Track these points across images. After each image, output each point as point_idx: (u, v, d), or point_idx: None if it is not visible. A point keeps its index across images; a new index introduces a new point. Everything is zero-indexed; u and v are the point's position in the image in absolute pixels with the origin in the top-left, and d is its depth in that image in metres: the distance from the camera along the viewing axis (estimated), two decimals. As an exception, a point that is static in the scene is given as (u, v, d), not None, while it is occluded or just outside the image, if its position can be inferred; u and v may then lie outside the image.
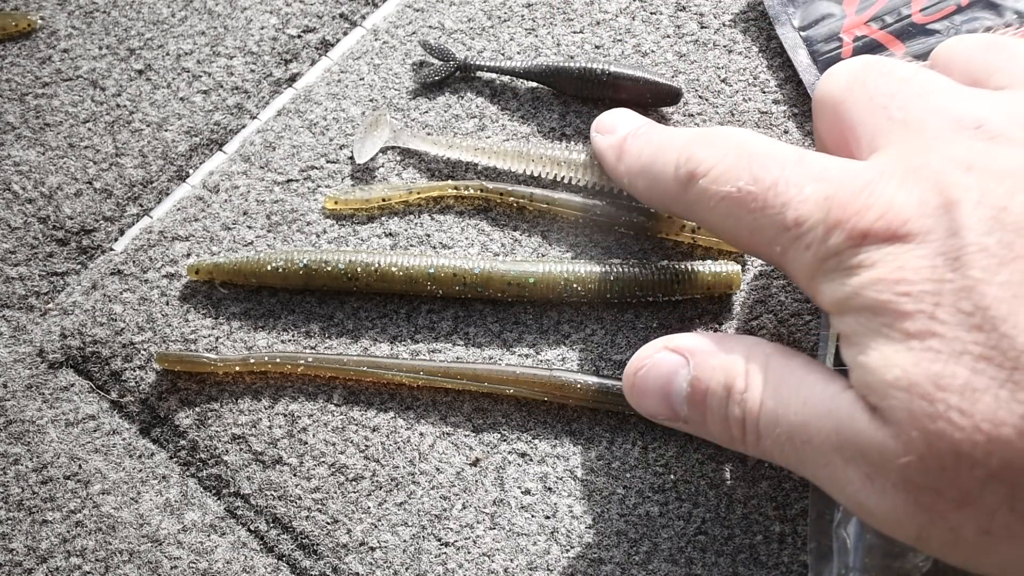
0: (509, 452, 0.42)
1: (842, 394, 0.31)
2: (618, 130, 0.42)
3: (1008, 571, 0.29)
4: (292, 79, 0.50)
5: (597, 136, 0.43)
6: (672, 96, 0.47)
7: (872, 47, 0.47)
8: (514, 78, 0.48)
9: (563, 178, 0.46)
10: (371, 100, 0.49)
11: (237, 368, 0.43)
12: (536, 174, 0.46)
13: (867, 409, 0.30)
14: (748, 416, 0.33)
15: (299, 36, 0.51)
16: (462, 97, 0.48)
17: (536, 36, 0.50)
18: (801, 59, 0.47)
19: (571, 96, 0.48)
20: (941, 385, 0.28)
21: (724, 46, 0.49)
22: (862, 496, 0.30)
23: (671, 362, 0.36)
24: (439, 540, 0.41)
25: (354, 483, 0.42)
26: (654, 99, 0.47)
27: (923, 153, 0.31)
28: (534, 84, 0.48)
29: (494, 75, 0.48)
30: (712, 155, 0.35)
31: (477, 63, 0.48)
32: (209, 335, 0.44)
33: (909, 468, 0.28)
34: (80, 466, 0.42)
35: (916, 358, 0.28)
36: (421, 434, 0.42)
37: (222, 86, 0.50)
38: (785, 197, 0.32)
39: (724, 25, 0.49)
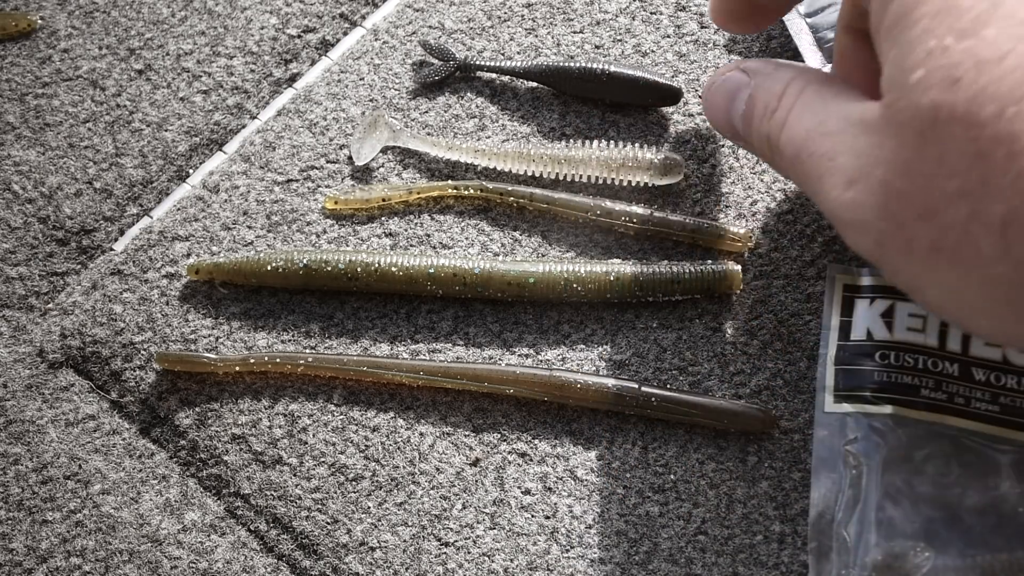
0: (509, 452, 0.42)
1: (862, 106, 0.32)
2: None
3: (943, 295, 0.30)
4: (292, 79, 0.50)
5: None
6: (672, 96, 0.47)
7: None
8: (514, 78, 0.48)
9: (564, 176, 0.46)
10: (371, 100, 0.49)
11: (237, 368, 0.43)
12: (536, 174, 0.46)
13: (879, 110, 0.31)
14: (772, 133, 0.36)
15: (299, 36, 0.51)
16: (462, 97, 0.48)
17: (536, 36, 0.50)
18: (806, 46, 0.47)
19: (571, 96, 0.48)
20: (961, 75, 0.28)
21: (724, 46, 0.49)
22: (842, 199, 0.32)
23: (737, 80, 0.39)
24: (439, 540, 0.41)
25: (354, 483, 0.42)
26: (654, 99, 0.47)
27: None
28: (534, 84, 0.48)
29: (494, 75, 0.48)
30: None
31: (477, 63, 0.48)
32: (209, 335, 0.44)
33: (893, 165, 0.30)
34: (80, 466, 0.42)
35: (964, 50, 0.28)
36: (421, 434, 0.42)
37: (222, 86, 0.50)
38: None
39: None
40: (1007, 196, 0.27)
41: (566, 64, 0.47)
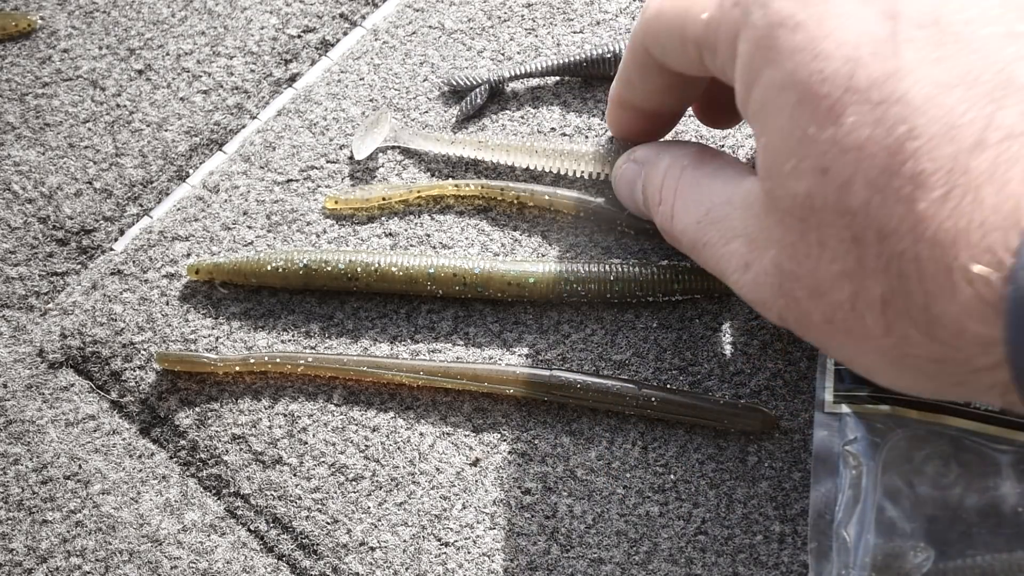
0: (509, 452, 0.42)
1: (741, 187, 0.34)
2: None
3: (848, 358, 0.32)
4: (292, 79, 0.50)
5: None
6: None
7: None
8: (542, 78, 0.48)
9: (566, 172, 0.46)
10: (371, 100, 0.49)
11: (237, 368, 0.43)
12: (539, 168, 0.46)
13: (760, 195, 0.32)
14: (665, 226, 0.39)
15: (299, 36, 0.51)
16: (462, 97, 0.48)
17: (536, 36, 0.50)
18: None
19: (601, 80, 0.48)
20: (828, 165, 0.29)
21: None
22: (742, 281, 0.34)
23: (631, 172, 0.41)
24: (439, 540, 0.41)
25: (354, 483, 0.42)
26: None
27: None
28: (535, 83, 0.48)
29: (520, 81, 0.48)
30: None
31: (505, 76, 0.48)
32: (209, 335, 0.44)
33: (781, 247, 0.31)
34: (80, 466, 0.42)
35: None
36: (421, 434, 0.42)
37: (222, 86, 0.50)
38: None
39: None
40: (882, 278, 0.28)
41: (597, 53, 0.47)
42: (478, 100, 0.48)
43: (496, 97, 0.48)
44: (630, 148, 0.44)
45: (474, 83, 0.48)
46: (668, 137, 0.44)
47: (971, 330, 0.27)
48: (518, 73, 0.48)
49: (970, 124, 0.27)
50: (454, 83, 0.48)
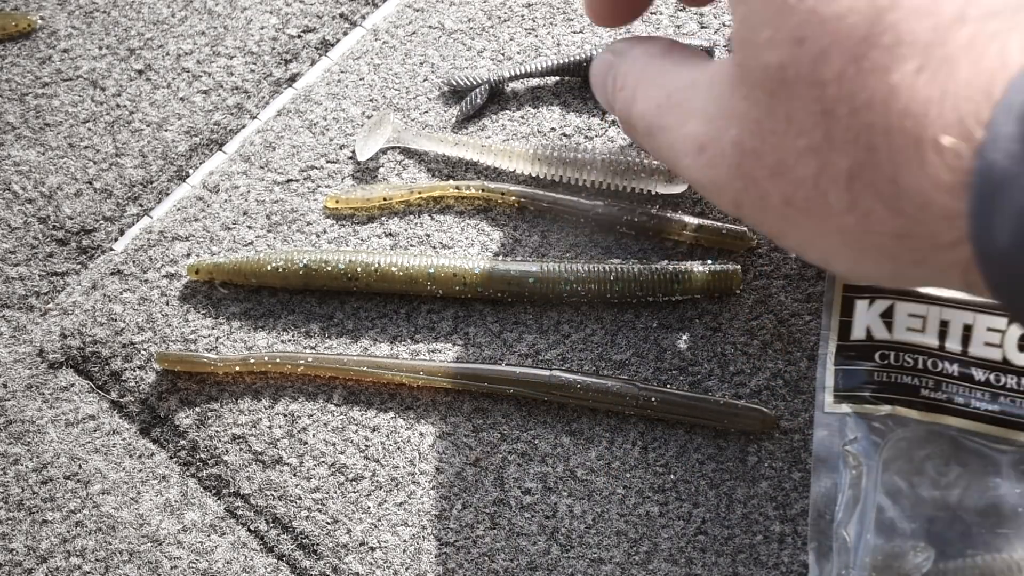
0: (509, 452, 0.42)
1: (707, 70, 0.33)
2: None
3: (804, 242, 0.31)
4: (292, 79, 0.50)
5: None
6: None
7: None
8: (541, 78, 0.48)
9: (568, 179, 0.46)
10: (371, 100, 0.49)
11: (237, 368, 0.43)
12: (540, 175, 0.46)
13: (728, 69, 0.32)
14: (623, 110, 0.37)
15: (299, 36, 0.51)
16: (462, 98, 0.48)
17: (536, 36, 0.50)
18: None
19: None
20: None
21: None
22: (695, 164, 0.33)
23: (606, 61, 0.39)
24: (439, 540, 0.41)
25: (354, 483, 0.42)
26: None
27: None
28: (535, 83, 0.48)
29: (520, 81, 0.48)
30: None
31: (505, 76, 0.48)
32: (209, 335, 0.44)
33: (744, 124, 0.30)
34: (80, 466, 0.42)
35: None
36: (421, 434, 0.42)
37: (222, 86, 0.50)
38: None
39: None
40: (851, 151, 0.28)
41: (594, 53, 0.47)
42: (478, 100, 0.48)
43: (496, 97, 0.48)
44: (644, 157, 0.44)
45: (474, 83, 0.48)
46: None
47: (937, 202, 0.27)
48: (518, 73, 0.48)
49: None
50: (454, 83, 0.48)
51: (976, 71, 0.26)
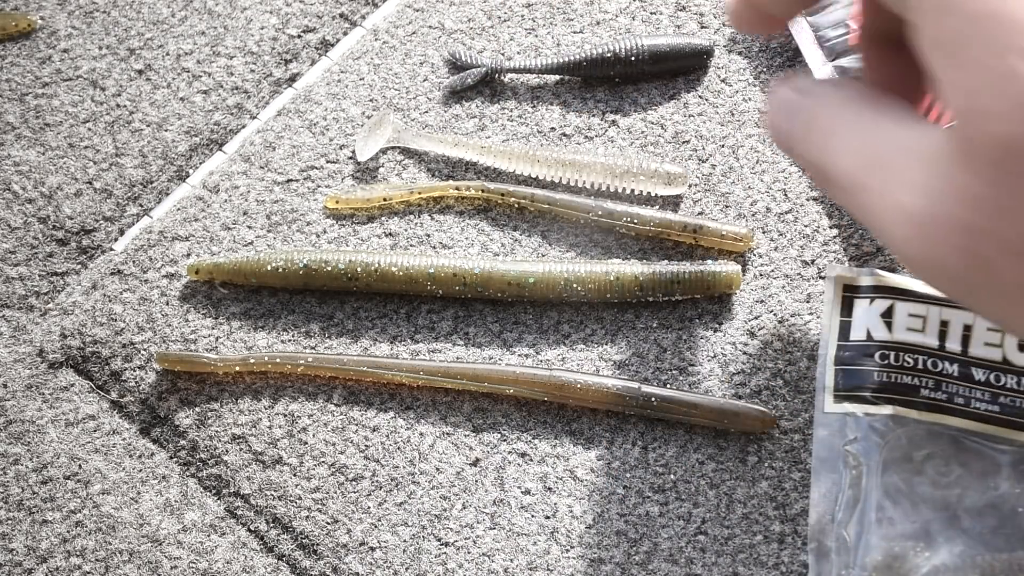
0: (509, 452, 0.42)
1: (921, 134, 0.31)
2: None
3: None
4: (292, 79, 0.50)
5: None
6: (707, 53, 0.48)
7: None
8: (540, 75, 0.48)
9: (567, 180, 0.46)
10: (371, 100, 0.49)
11: (237, 368, 0.43)
12: (539, 176, 0.46)
13: (946, 140, 0.29)
14: (817, 159, 0.34)
15: (299, 36, 0.51)
16: (462, 97, 0.48)
17: (536, 36, 0.50)
18: (807, 44, 0.47)
19: (600, 81, 0.48)
20: None
21: (724, 46, 0.49)
22: (909, 240, 0.30)
23: (790, 100, 0.36)
24: (439, 540, 0.41)
25: (354, 483, 0.42)
26: (689, 62, 0.48)
27: None
28: (535, 83, 0.48)
29: (516, 75, 0.48)
30: None
31: (505, 67, 0.48)
32: (209, 335, 0.44)
33: (970, 201, 0.28)
34: (80, 466, 0.42)
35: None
36: (421, 434, 0.42)
37: (222, 86, 0.50)
38: None
39: (724, 25, 0.49)
40: None
41: (597, 52, 0.47)
42: (469, 81, 0.48)
43: (488, 84, 0.48)
44: (644, 159, 0.44)
45: (474, 63, 0.48)
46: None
47: None
48: (518, 67, 0.48)
49: None
50: (456, 57, 0.48)
51: None
